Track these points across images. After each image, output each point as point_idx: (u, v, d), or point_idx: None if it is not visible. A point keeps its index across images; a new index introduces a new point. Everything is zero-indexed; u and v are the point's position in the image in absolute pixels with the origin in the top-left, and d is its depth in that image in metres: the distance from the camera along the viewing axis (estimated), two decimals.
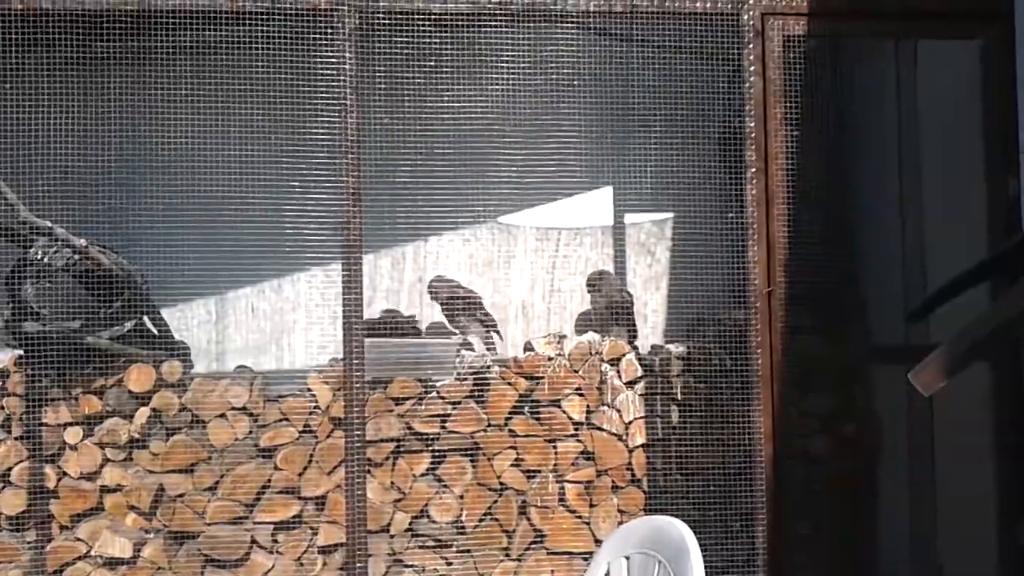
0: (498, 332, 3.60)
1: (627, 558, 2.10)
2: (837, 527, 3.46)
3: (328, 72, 2.89)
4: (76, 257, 3.13)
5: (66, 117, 2.99)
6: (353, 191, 2.85)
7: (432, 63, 3.13)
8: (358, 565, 2.85)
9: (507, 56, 3.13)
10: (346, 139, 2.87)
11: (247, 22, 2.91)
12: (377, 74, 3.05)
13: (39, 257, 3.12)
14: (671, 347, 3.50)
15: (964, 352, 1.80)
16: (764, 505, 3.06)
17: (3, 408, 3.18)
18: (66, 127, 3.00)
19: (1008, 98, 2.90)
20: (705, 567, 3.16)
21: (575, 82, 3.29)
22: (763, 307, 3.03)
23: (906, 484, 3.52)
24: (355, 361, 2.83)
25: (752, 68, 3.04)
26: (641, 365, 3.42)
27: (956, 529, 3.33)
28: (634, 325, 3.63)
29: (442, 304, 3.50)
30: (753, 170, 3.03)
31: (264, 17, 2.90)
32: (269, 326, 3.58)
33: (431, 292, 3.53)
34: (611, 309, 3.52)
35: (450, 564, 3.30)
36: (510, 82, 3.16)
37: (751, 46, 3.07)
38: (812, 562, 3.34)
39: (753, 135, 3.04)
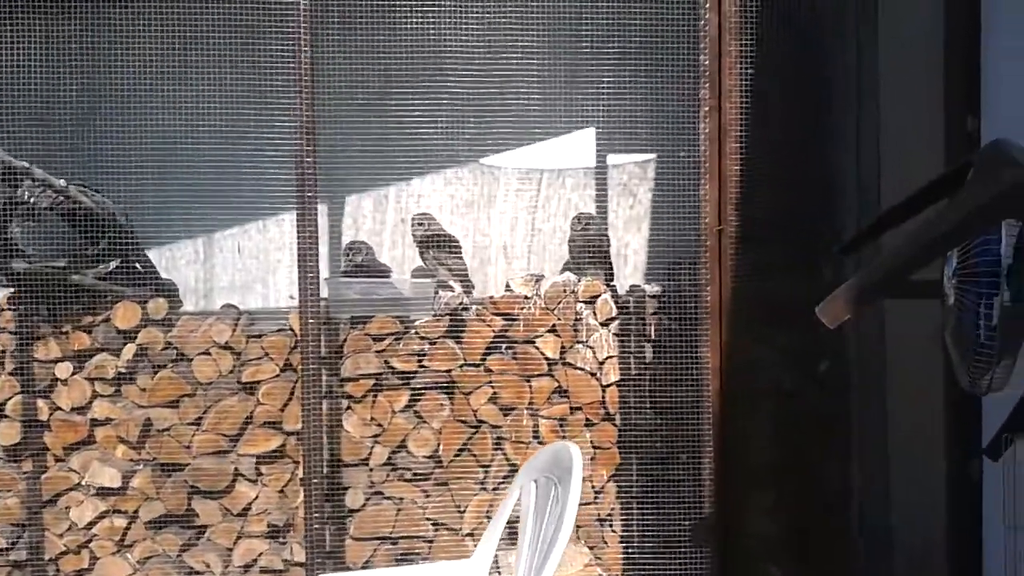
0: (464, 280, 3.62)
1: (535, 482, 2.16)
2: (789, 461, 3.49)
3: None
4: (60, 198, 3.23)
5: (36, 59, 3.08)
6: (307, 129, 2.88)
7: None
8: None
9: None
10: (300, 75, 2.89)
11: None
12: (331, 14, 3.07)
13: (25, 197, 3.23)
14: (646, 287, 3.53)
15: (872, 285, 1.79)
16: (711, 439, 3.10)
17: None
18: (36, 69, 3.08)
19: (970, 34, 2.87)
20: (674, 502, 3.24)
21: (538, 18, 3.29)
22: (713, 244, 3.04)
23: (857, 419, 3.52)
24: (310, 299, 2.89)
25: (707, 4, 3.02)
26: (617, 305, 3.46)
27: (908, 465, 3.33)
28: (611, 266, 3.65)
29: (417, 242, 3.54)
30: (707, 108, 3.02)
31: None
32: (255, 265, 3.66)
33: (412, 227, 3.56)
34: (588, 250, 3.54)
35: (428, 495, 3.40)
36: (468, 16, 3.18)
37: None
38: (766, 495, 3.37)
39: (707, 72, 3.03)
